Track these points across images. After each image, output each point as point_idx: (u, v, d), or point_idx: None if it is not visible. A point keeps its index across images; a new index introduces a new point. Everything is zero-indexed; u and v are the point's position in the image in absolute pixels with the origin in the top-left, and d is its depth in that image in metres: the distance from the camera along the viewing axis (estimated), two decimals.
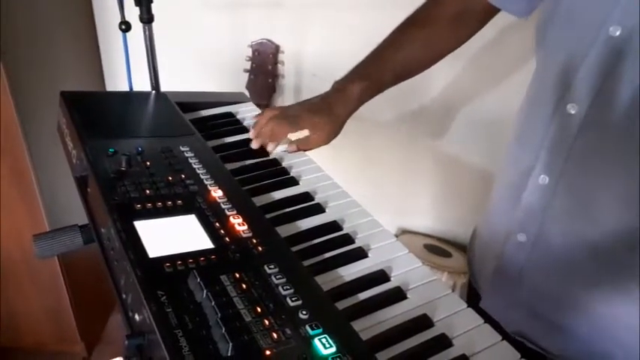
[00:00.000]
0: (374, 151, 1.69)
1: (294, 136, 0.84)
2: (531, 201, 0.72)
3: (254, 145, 0.84)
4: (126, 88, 1.46)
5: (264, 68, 1.63)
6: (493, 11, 0.84)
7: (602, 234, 0.65)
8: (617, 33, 0.60)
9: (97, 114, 0.84)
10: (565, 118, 0.66)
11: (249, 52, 1.62)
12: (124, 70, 1.86)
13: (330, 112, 0.85)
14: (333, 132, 0.86)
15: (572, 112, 0.66)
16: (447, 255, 1.58)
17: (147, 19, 0.91)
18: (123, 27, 0.90)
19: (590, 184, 0.65)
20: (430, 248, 1.59)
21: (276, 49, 1.62)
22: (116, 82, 1.84)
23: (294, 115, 0.85)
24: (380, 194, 1.68)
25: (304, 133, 0.84)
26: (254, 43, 1.61)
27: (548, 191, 0.69)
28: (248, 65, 1.63)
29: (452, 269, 1.48)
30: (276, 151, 0.85)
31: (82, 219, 0.75)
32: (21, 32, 1.39)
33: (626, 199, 0.62)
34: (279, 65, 1.65)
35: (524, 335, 0.75)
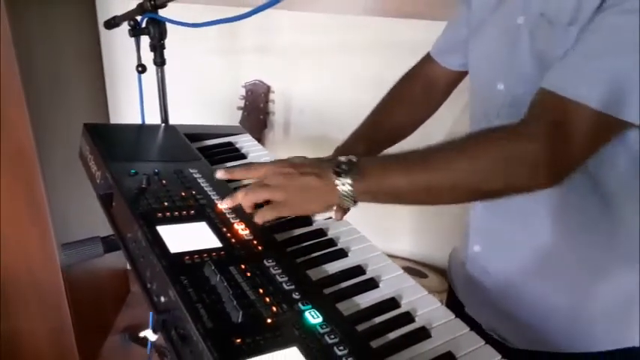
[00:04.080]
0: None
1: None
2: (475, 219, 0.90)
3: None
4: (126, 122, 1.60)
5: (256, 106, 1.78)
6: (455, 81, 1.03)
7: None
8: (502, 87, 0.82)
9: (117, 142, 0.98)
10: None
11: (243, 92, 1.78)
12: (126, 106, 2.02)
13: None
14: None
15: None
16: (423, 276, 1.72)
17: (160, 62, 1.06)
18: (139, 69, 1.04)
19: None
20: (407, 270, 1.71)
21: (267, 89, 1.78)
22: (118, 116, 2.00)
23: None
24: (360, 220, 1.82)
25: None
26: (247, 83, 1.78)
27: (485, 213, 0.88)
28: (242, 103, 1.79)
29: (427, 288, 1.60)
30: None
31: None
32: (44, 76, 1.55)
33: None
34: (270, 103, 1.81)
35: (494, 330, 0.89)
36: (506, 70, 0.82)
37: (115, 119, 1.98)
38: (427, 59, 1.06)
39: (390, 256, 0.79)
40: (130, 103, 1.96)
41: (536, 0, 0.77)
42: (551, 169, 0.68)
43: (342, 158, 0.72)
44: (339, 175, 0.71)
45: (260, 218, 0.75)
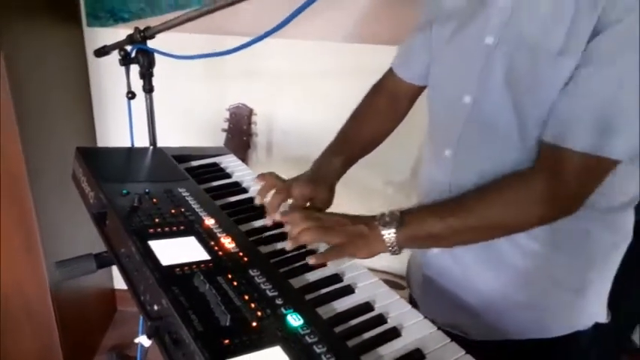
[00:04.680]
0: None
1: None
2: None
3: (268, 221, 0.94)
4: (113, 144, 1.64)
5: (239, 128, 1.85)
6: (417, 93, 1.09)
7: None
8: (468, 100, 0.88)
9: (109, 164, 1.04)
10: (444, 161, 0.93)
11: (227, 115, 1.85)
12: (112, 131, 2.07)
13: (324, 181, 1.01)
14: (331, 197, 1.02)
15: (447, 154, 0.92)
16: (401, 287, 1.78)
17: (148, 89, 1.13)
18: (129, 96, 1.10)
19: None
20: (385, 282, 1.79)
21: (250, 112, 1.85)
22: (105, 141, 2.05)
23: (300, 193, 0.97)
24: None
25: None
26: (231, 107, 1.84)
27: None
28: (226, 125, 1.85)
29: (404, 298, 1.68)
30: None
31: None
32: (34, 103, 1.61)
33: None
34: (253, 125, 1.88)
35: (450, 325, 0.96)
36: (476, 85, 0.87)
37: (102, 143, 2.03)
38: (390, 73, 1.12)
39: (370, 269, 0.85)
40: (117, 128, 2.02)
41: (513, 23, 0.81)
42: (557, 206, 0.79)
43: (386, 212, 0.84)
44: (384, 225, 0.82)
45: (323, 259, 0.83)
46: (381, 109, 1.12)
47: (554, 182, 0.78)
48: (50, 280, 1.68)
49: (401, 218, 0.83)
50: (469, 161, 0.92)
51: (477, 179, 0.90)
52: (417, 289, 1.07)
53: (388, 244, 0.83)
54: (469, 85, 0.88)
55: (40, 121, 1.63)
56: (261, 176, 1.01)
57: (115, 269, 2.14)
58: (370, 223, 0.84)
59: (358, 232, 0.84)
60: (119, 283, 2.29)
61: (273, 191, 0.97)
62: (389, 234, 0.82)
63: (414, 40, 1.06)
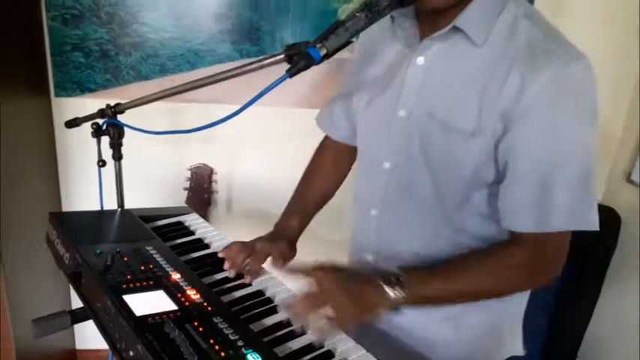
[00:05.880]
0: None
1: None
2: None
3: (231, 275, 1.03)
4: (76, 208, 1.70)
5: (200, 186, 1.96)
6: (356, 149, 1.17)
7: None
8: (388, 166, 0.99)
9: (82, 227, 1.13)
10: (371, 220, 1.03)
11: (189, 174, 1.97)
12: (76, 194, 2.14)
13: (284, 238, 1.11)
14: (292, 252, 1.13)
15: (374, 213, 1.02)
16: None
17: (118, 157, 1.24)
18: (100, 164, 1.21)
19: None
20: None
21: (211, 171, 1.98)
22: (68, 204, 2.12)
23: (261, 248, 1.06)
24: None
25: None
26: (192, 167, 1.96)
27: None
28: (187, 184, 1.97)
29: None
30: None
31: None
32: (3, 169, 1.68)
33: None
34: (214, 183, 2.00)
35: None
36: (394, 153, 0.95)
37: (66, 207, 2.09)
38: None
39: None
40: (80, 193, 2.09)
41: (423, 100, 0.88)
42: (538, 279, 0.91)
43: (390, 272, 0.88)
44: (390, 286, 0.85)
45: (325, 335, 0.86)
46: (327, 168, 1.24)
47: (533, 259, 0.88)
48: (14, 340, 1.70)
49: (405, 279, 0.86)
50: (393, 221, 1.01)
51: (402, 238, 1.00)
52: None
53: (392, 303, 0.85)
54: (388, 152, 0.96)
55: (7, 186, 1.69)
56: (226, 249, 1.07)
57: (77, 329, 2.17)
58: (375, 282, 0.86)
59: (359, 294, 0.86)
60: (81, 343, 2.30)
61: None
62: (393, 293, 0.85)
63: (334, 106, 1.18)
